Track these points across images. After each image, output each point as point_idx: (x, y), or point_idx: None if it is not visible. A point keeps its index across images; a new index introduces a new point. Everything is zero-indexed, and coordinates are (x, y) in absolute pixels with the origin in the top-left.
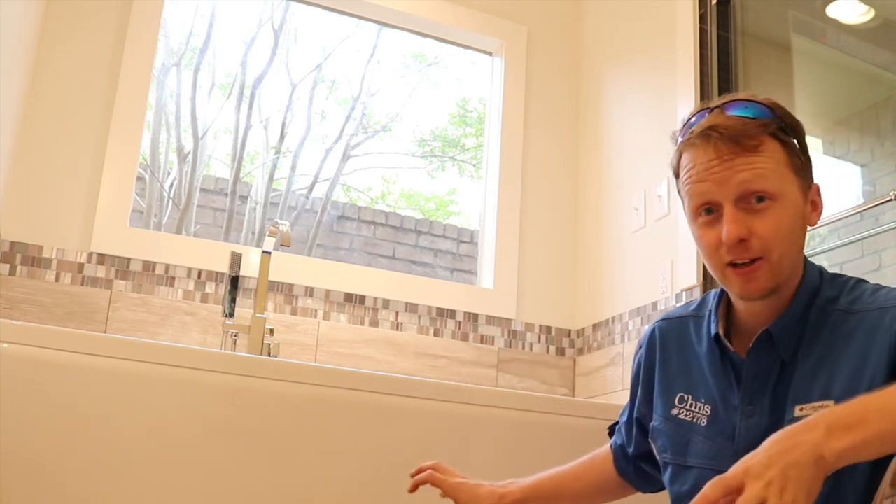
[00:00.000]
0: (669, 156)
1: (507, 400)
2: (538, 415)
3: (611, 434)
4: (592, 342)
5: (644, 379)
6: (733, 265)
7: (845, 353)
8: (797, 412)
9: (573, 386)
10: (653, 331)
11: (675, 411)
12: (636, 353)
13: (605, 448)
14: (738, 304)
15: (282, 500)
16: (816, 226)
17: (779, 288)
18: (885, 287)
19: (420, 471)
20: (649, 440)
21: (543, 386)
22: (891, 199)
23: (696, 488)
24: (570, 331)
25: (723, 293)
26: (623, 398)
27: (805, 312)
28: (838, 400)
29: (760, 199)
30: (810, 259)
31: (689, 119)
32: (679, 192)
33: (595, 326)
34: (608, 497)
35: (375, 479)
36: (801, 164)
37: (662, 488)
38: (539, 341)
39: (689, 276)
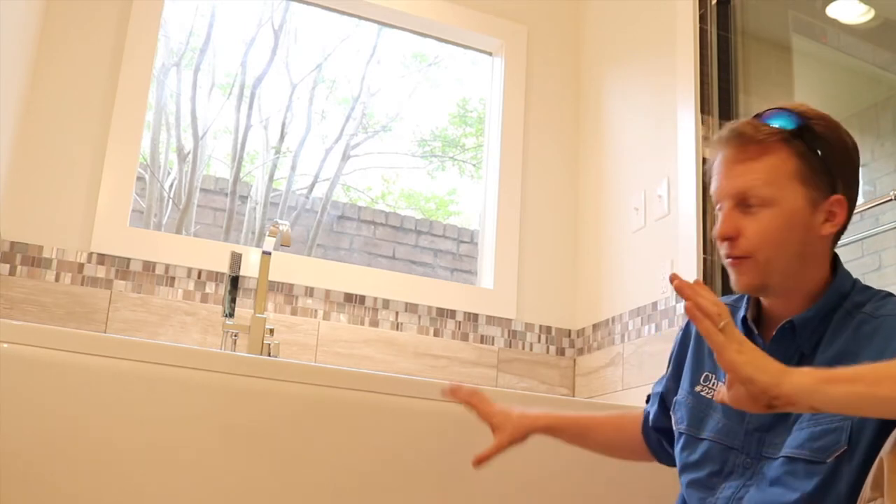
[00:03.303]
0: (669, 155)
1: (507, 400)
2: None
3: (648, 400)
4: (592, 342)
5: (676, 357)
6: (728, 258)
7: (862, 353)
8: None
9: (573, 386)
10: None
11: (698, 388)
12: (677, 334)
13: (638, 410)
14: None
15: (282, 500)
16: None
17: (768, 287)
18: None
19: (456, 390)
20: (670, 413)
21: (543, 386)
22: (891, 199)
23: (704, 459)
24: (570, 331)
25: None
26: (623, 398)
27: (831, 312)
28: None
29: (753, 203)
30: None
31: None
32: None
33: (595, 326)
34: (628, 455)
35: (375, 478)
36: (813, 174)
37: (673, 463)
38: (539, 341)
39: (689, 277)
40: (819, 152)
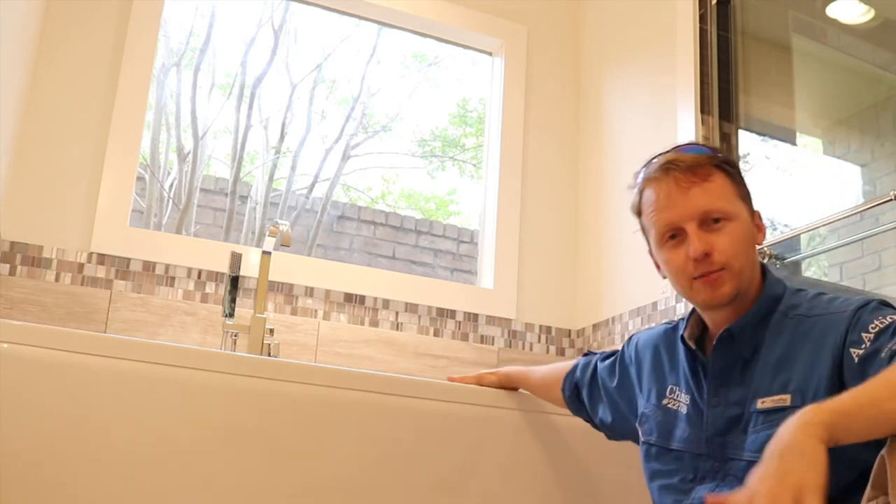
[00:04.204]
0: (646, 166)
1: (507, 400)
2: (538, 415)
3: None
4: (592, 342)
5: (629, 370)
6: (700, 276)
7: (802, 352)
8: (759, 405)
9: None
10: (637, 340)
11: (665, 401)
12: (626, 352)
13: (567, 365)
14: (706, 315)
15: (282, 500)
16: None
17: (739, 295)
18: (841, 296)
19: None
20: (637, 424)
21: None
22: (891, 199)
23: (677, 469)
24: (570, 331)
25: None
26: None
27: (766, 317)
28: (795, 393)
29: (717, 219)
30: (808, 259)
31: (649, 161)
32: (643, 228)
33: (595, 326)
34: (553, 402)
35: (375, 479)
36: (745, 192)
37: (583, 417)
38: (539, 341)
39: None
40: (738, 174)
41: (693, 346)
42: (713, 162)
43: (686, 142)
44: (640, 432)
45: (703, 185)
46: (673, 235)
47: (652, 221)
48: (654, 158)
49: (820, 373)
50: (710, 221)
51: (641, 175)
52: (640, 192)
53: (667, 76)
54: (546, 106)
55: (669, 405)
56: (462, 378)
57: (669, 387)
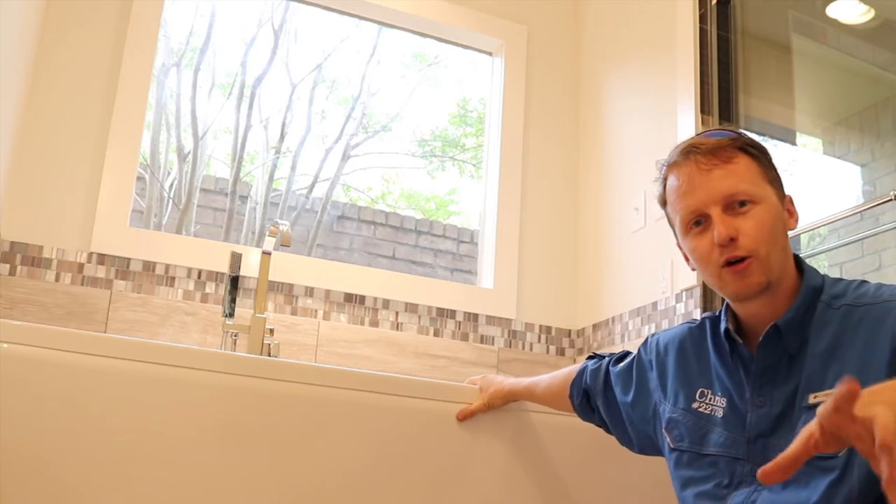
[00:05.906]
0: (669, 154)
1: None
2: (537, 414)
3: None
4: (592, 342)
5: (647, 375)
6: (727, 265)
7: (853, 344)
8: (811, 399)
9: None
10: (657, 341)
11: (695, 405)
12: (643, 355)
13: (572, 370)
14: (739, 309)
15: (281, 500)
16: (796, 230)
17: (771, 285)
18: (888, 285)
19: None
20: (664, 430)
21: None
22: (891, 199)
23: (712, 474)
24: (570, 331)
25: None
26: None
27: (810, 309)
28: None
29: (742, 203)
30: (808, 259)
31: (671, 152)
32: (669, 220)
33: (595, 326)
34: (561, 409)
35: (375, 478)
36: (774, 175)
37: (591, 421)
38: (539, 341)
39: (689, 277)
40: (764, 157)
41: (740, 341)
42: (736, 144)
43: (709, 129)
44: (668, 439)
45: (726, 168)
46: (698, 222)
47: (676, 209)
48: (676, 148)
49: (878, 363)
50: (735, 205)
51: (664, 163)
52: (664, 181)
53: (667, 76)
54: (546, 106)
55: (701, 409)
56: (471, 410)
57: (700, 390)
